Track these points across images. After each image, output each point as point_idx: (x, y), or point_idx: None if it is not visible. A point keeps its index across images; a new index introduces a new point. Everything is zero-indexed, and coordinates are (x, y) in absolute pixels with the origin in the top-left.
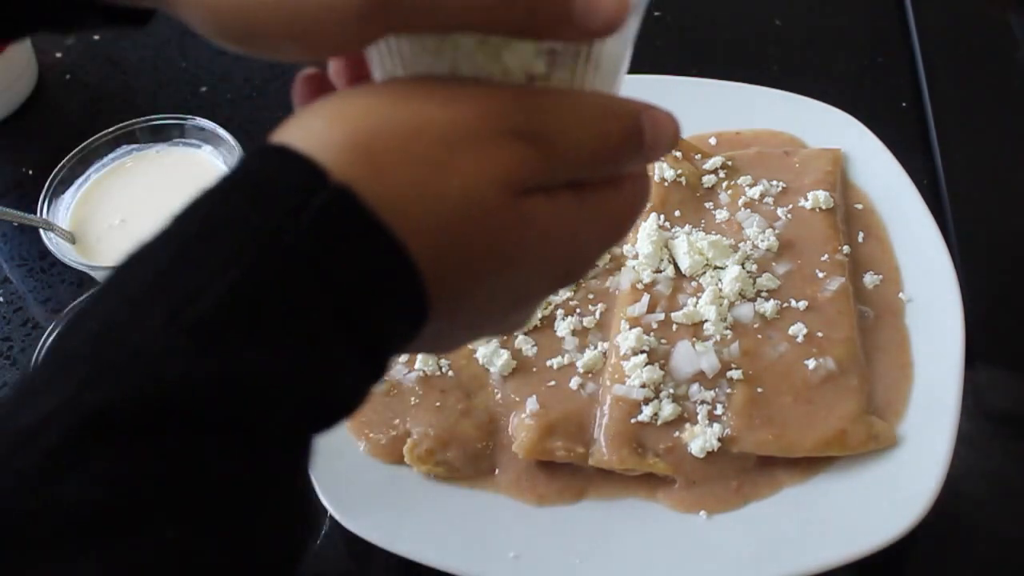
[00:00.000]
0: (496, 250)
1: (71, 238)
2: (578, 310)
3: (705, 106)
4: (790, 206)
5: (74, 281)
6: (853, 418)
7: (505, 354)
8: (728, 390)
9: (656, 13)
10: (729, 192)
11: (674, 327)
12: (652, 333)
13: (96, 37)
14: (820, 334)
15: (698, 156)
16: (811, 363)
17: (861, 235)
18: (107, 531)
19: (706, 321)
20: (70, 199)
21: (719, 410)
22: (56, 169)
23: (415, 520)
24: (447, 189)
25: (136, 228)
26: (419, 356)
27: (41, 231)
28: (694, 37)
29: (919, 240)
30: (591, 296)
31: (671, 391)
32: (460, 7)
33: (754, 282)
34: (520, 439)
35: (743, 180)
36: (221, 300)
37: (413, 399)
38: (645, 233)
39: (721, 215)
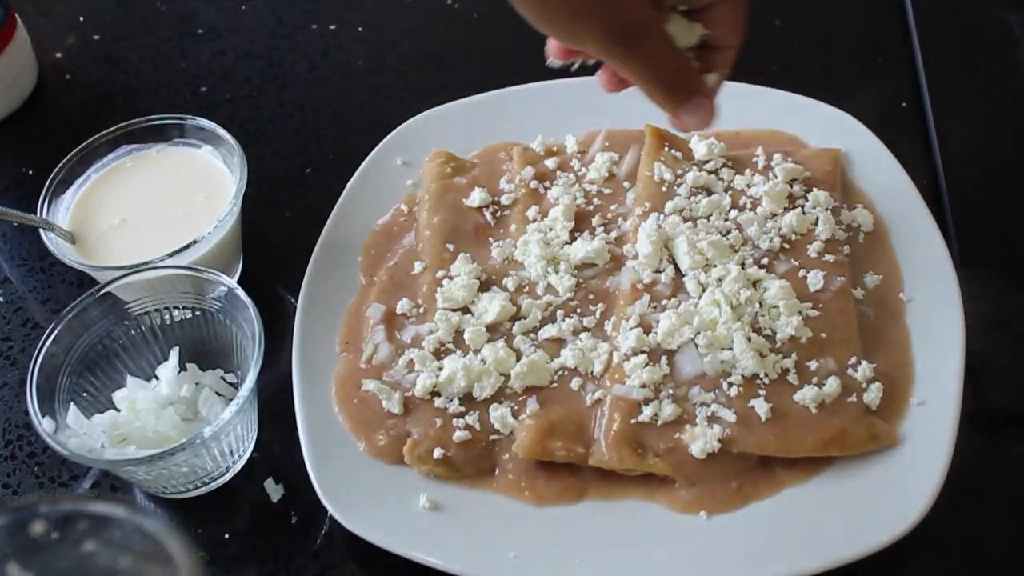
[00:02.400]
0: None
1: (71, 238)
2: (578, 310)
3: None
4: (790, 205)
5: (74, 281)
6: (853, 418)
7: (505, 354)
8: (728, 391)
9: None
10: (729, 192)
11: (675, 328)
12: (652, 333)
13: (96, 37)
14: (821, 334)
15: (691, 149)
16: (812, 363)
17: (861, 235)
18: None
19: (707, 321)
20: (70, 199)
21: (719, 411)
22: (56, 169)
23: (415, 520)
24: None
25: (136, 228)
26: (419, 359)
27: (41, 231)
28: None
29: (919, 240)
30: (591, 296)
31: (671, 392)
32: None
33: (754, 283)
34: (520, 439)
35: (743, 180)
36: None
37: (413, 400)
38: (645, 233)
39: (721, 215)
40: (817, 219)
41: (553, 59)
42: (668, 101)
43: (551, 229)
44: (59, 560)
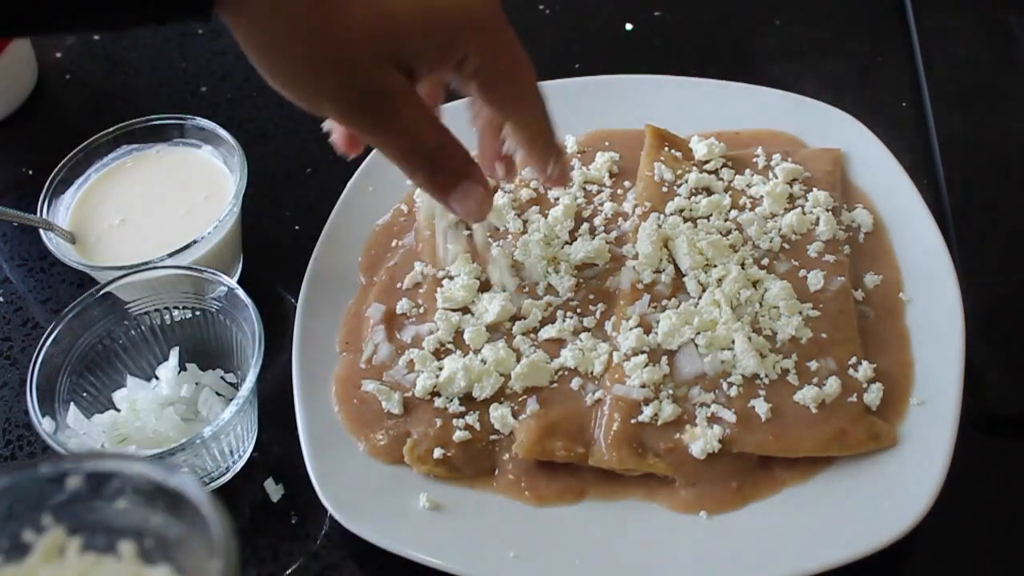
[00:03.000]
0: None
1: (71, 238)
2: (578, 310)
3: (705, 106)
4: (790, 206)
5: (74, 281)
6: (853, 418)
7: (505, 354)
8: (728, 391)
9: (656, 13)
10: (729, 192)
11: (675, 328)
12: (652, 333)
13: (96, 37)
14: (821, 334)
15: (691, 149)
16: (812, 364)
17: (861, 235)
18: None
19: (707, 321)
20: (70, 199)
21: (719, 411)
22: (56, 169)
23: (415, 520)
24: None
25: (136, 228)
26: (419, 359)
27: (41, 231)
28: (694, 37)
29: (919, 240)
30: (591, 296)
31: (671, 392)
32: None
33: (754, 283)
34: (520, 439)
35: (743, 180)
36: None
37: (413, 400)
38: (645, 233)
39: (721, 215)
40: (817, 219)
41: (340, 150)
42: (431, 187)
43: (551, 229)
44: (91, 514)
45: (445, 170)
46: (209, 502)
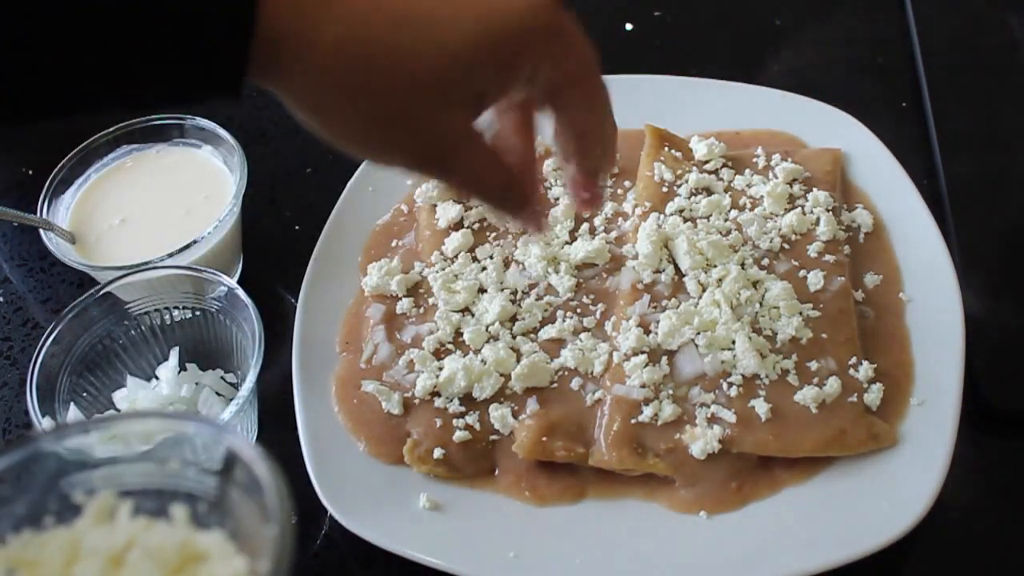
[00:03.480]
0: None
1: (71, 238)
2: (578, 310)
3: (705, 106)
4: (790, 206)
5: (74, 281)
6: (853, 418)
7: (505, 354)
8: (728, 391)
9: (656, 13)
10: (729, 192)
11: (675, 328)
12: (652, 333)
13: None
14: (821, 335)
15: (691, 149)
16: (812, 364)
17: (861, 235)
18: None
19: (707, 321)
20: (70, 199)
21: (719, 411)
22: (56, 169)
23: (415, 520)
24: None
25: (136, 228)
26: (419, 359)
27: (41, 231)
28: (694, 37)
29: (919, 240)
30: (591, 296)
31: (671, 392)
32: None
33: (755, 283)
34: (520, 439)
35: (743, 180)
36: None
37: (413, 400)
38: (645, 233)
39: (721, 215)
40: (817, 219)
41: None
42: (501, 212)
43: (551, 229)
44: (142, 476)
45: (509, 203)
46: (265, 465)
